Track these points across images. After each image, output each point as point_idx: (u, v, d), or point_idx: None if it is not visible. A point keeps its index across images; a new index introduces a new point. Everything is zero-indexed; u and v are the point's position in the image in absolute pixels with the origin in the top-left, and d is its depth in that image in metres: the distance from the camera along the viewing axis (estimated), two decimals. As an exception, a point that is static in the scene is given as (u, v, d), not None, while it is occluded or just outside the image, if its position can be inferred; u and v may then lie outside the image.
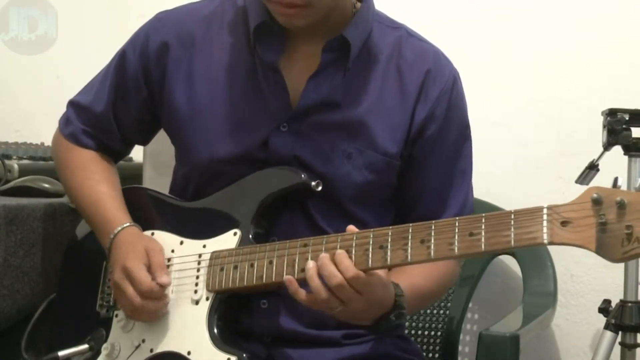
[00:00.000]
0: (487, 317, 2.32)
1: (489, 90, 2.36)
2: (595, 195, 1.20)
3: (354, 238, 1.35)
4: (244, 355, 1.41)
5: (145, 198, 1.66)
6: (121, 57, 1.65)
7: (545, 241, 1.22)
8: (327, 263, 1.34)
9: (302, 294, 1.36)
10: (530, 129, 2.36)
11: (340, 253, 1.34)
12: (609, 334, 1.99)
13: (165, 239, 1.55)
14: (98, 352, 1.53)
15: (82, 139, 1.68)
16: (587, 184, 2.02)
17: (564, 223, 1.22)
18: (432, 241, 1.30)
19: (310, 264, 1.35)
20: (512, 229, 1.24)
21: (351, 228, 1.38)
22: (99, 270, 1.62)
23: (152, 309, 1.48)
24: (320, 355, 1.53)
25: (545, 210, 1.23)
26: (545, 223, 1.22)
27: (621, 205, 1.18)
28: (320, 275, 1.34)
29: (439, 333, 2.14)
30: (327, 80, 1.52)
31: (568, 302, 2.31)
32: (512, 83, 2.37)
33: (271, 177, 1.51)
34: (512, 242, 1.24)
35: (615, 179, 1.23)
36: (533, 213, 1.24)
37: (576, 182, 2.03)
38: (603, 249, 1.19)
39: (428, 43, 1.60)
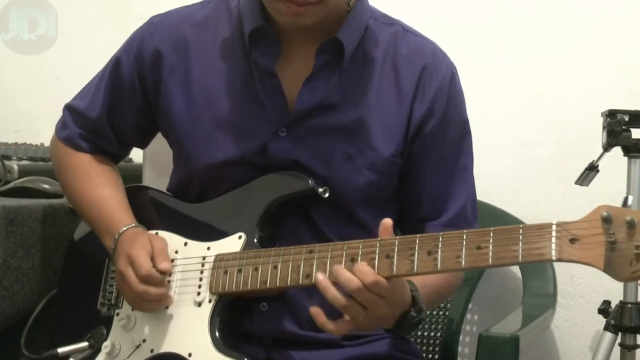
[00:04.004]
0: (487, 318, 2.33)
1: (489, 91, 2.36)
2: (605, 213, 1.19)
3: (360, 247, 1.35)
4: (245, 359, 1.41)
5: (149, 198, 1.66)
6: (116, 64, 1.64)
7: (554, 257, 1.21)
8: (341, 270, 1.33)
9: (330, 325, 1.35)
10: (529, 130, 2.36)
11: (361, 263, 1.33)
12: (608, 335, 1.99)
13: (169, 240, 1.54)
14: (98, 350, 1.54)
15: (79, 143, 1.67)
16: (587, 185, 2.02)
17: (572, 240, 1.21)
18: (439, 253, 1.29)
19: (320, 276, 1.35)
20: (520, 244, 1.24)
21: (387, 222, 1.35)
22: (101, 268, 1.61)
23: (154, 295, 1.47)
24: (319, 356, 1.53)
25: (554, 227, 1.22)
26: (554, 239, 1.22)
27: (631, 225, 1.17)
28: (337, 285, 1.33)
29: (438, 334, 2.14)
30: (322, 83, 1.52)
31: (568, 303, 2.32)
32: (512, 84, 2.38)
33: (278, 182, 1.50)
34: (520, 258, 1.24)
35: (625, 198, 1.23)
36: (542, 229, 1.23)
37: (576, 183, 2.03)
38: (611, 268, 1.19)
39: (424, 38, 1.60)
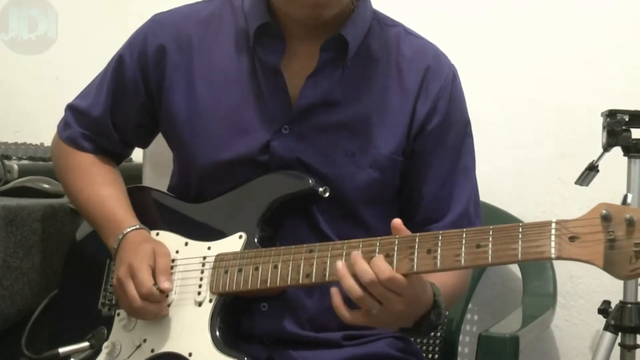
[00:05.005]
0: (487, 318, 2.33)
1: (489, 91, 2.36)
2: (604, 211, 1.19)
3: (360, 246, 1.34)
4: (245, 358, 1.41)
5: (150, 198, 1.66)
6: (119, 61, 1.64)
7: (553, 256, 1.21)
8: (358, 260, 1.31)
9: (345, 310, 1.33)
10: (529, 130, 2.36)
11: (378, 257, 1.31)
12: (608, 335, 1.99)
13: (170, 240, 1.54)
14: (99, 350, 1.54)
15: (81, 143, 1.67)
16: (587, 185, 2.02)
17: (572, 238, 1.21)
18: (439, 252, 1.29)
19: (339, 264, 1.33)
20: (520, 242, 1.24)
21: (397, 222, 1.34)
22: (103, 268, 1.62)
23: (151, 311, 1.47)
24: (320, 356, 1.54)
25: (553, 225, 1.22)
26: (553, 237, 1.21)
27: (630, 223, 1.17)
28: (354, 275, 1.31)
29: (438, 334, 2.14)
30: (325, 79, 1.52)
31: (567, 303, 2.32)
32: (512, 84, 2.38)
33: (278, 181, 1.51)
34: (520, 256, 1.24)
35: (625, 196, 1.23)
36: (541, 227, 1.23)
37: (576, 183, 2.03)
38: (611, 266, 1.18)
39: (426, 40, 1.61)
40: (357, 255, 1.32)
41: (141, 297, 1.45)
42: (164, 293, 1.47)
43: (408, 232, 1.34)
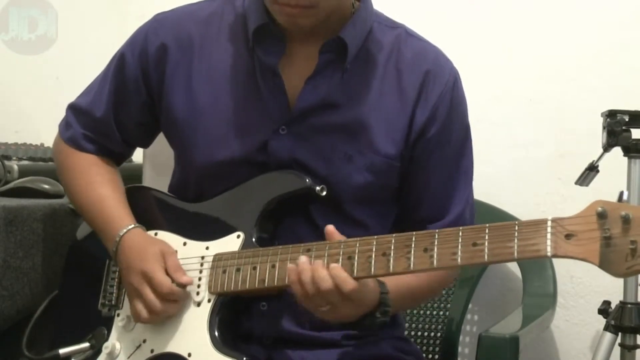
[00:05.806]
0: (487, 319, 2.33)
1: (489, 91, 2.36)
2: (600, 208, 1.19)
3: (357, 245, 1.35)
4: (244, 358, 1.41)
5: (149, 198, 1.66)
6: (120, 60, 1.64)
7: (549, 254, 1.21)
8: (319, 267, 1.33)
9: (298, 286, 1.35)
10: (529, 130, 2.36)
11: (335, 267, 1.33)
12: (608, 335, 1.99)
13: (168, 240, 1.54)
14: (99, 351, 1.54)
15: (82, 143, 1.67)
16: (587, 185, 2.02)
17: (568, 236, 1.21)
18: (435, 250, 1.29)
19: (303, 258, 1.35)
20: (516, 241, 1.24)
21: (331, 229, 1.38)
22: (102, 268, 1.62)
23: (172, 312, 1.47)
24: (319, 356, 1.53)
25: (549, 223, 1.22)
26: (549, 235, 1.21)
27: (626, 220, 1.17)
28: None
29: (438, 334, 2.14)
30: (324, 82, 1.52)
31: (568, 304, 2.32)
32: (512, 84, 2.38)
33: (275, 181, 1.51)
34: (516, 254, 1.24)
35: (621, 193, 1.23)
36: (537, 225, 1.23)
37: (576, 183, 2.04)
38: (607, 264, 1.18)
39: (427, 43, 1.60)
40: (318, 264, 1.34)
41: (162, 299, 1.45)
42: (184, 288, 1.47)
43: (341, 238, 1.37)
